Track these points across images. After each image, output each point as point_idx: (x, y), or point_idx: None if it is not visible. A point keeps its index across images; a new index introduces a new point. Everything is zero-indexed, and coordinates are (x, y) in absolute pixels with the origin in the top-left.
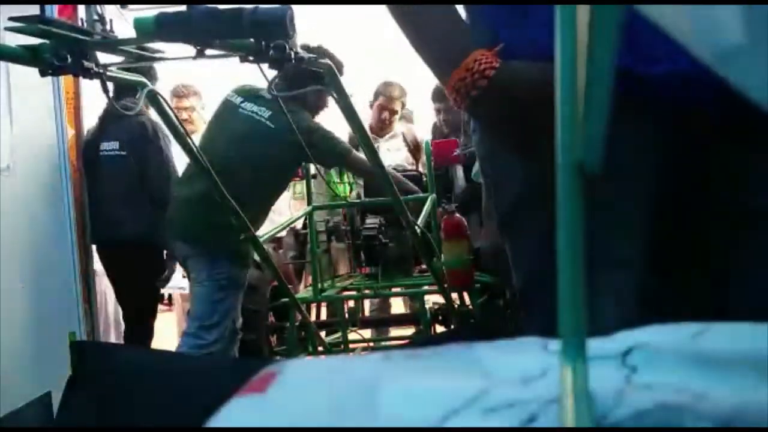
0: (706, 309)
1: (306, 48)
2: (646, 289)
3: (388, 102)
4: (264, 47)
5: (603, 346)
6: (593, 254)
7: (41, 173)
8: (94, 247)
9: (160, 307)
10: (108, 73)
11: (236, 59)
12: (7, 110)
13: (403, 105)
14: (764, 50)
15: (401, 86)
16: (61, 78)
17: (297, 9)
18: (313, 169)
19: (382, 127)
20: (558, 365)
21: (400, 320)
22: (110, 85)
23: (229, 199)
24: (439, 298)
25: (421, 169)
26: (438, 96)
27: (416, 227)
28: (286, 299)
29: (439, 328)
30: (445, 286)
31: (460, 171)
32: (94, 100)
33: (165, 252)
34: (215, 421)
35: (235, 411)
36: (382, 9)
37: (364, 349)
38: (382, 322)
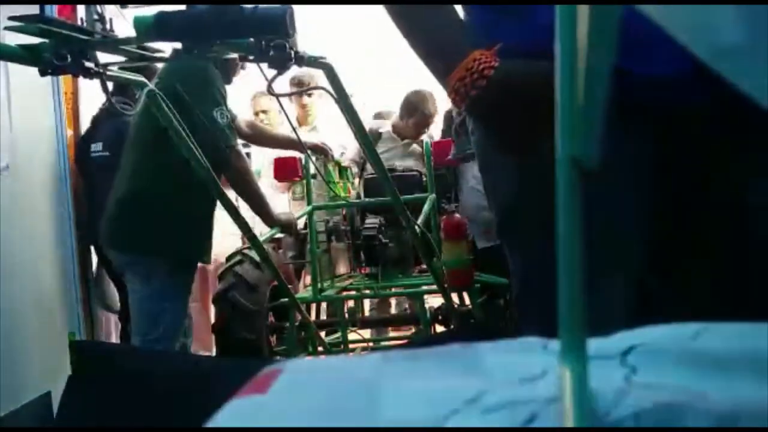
0: (706, 309)
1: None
2: (646, 289)
3: (427, 119)
4: (264, 47)
5: (603, 346)
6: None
7: (40, 173)
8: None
9: None
10: (108, 73)
11: None
12: (7, 110)
13: (437, 111)
14: (763, 47)
15: (432, 94)
16: (61, 77)
17: (297, 9)
18: (313, 169)
19: (418, 136)
20: (558, 365)
21: (400, 320)
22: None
23: (229, 200)
24: (439, 299)
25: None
26: None
27: (416, 227)
28: (286, 299)
29: (439, 328)
30: (445, 286)
31: (467, 171)
32: (93, 100)
33: None
34: (215, 422)
35: (235, 411)
36: (382, 9)
37: (364, 349)
38: (381, 322)
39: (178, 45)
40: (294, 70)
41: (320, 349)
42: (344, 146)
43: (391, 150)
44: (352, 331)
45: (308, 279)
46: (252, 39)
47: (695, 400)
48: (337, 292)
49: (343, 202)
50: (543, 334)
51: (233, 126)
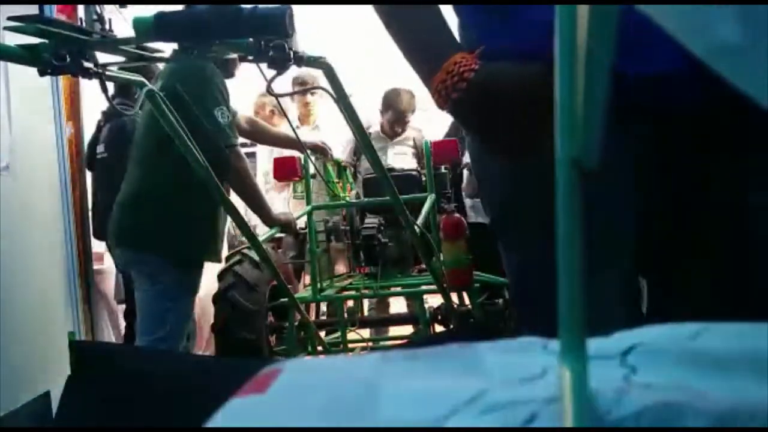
0: (706, 309)
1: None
2: (644, 288)
3: (399, 116)
4: (263, 47)
5: (603, 345)
6: (592, 254)
7: (40, 173)
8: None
9: None
10: (107, 73)
11: None
12: (6, 109)
13: (414, 110)
14: (763, 47)
15: (409, 92)
16: (60, 77)
17: (297, 9)
18: (312, 168)
19: (396, 134)
20: (558, 365)
21: (399, 320)
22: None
23: (229, 201)
24: (438, 299)
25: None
26: None
27: (415, 227)
28: (286, 299)
29: (439, 328)
30: (445, 286)
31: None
32: (94, 99)
33: None
34: (215, 421)
35: (235, 411)
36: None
37: (363, 348)
38: (381, 322)
39: (177, 45)
40: (296, 70)
41: (320, 348)
42: (339, 147)
43: (379, 150)
44: (351, 330)
45: (308, 279)
46: (251, 39)
47: (695, 400)
48: (336, 292)
49: (343, 201)
50: (541, 333)
51: (234, 125)
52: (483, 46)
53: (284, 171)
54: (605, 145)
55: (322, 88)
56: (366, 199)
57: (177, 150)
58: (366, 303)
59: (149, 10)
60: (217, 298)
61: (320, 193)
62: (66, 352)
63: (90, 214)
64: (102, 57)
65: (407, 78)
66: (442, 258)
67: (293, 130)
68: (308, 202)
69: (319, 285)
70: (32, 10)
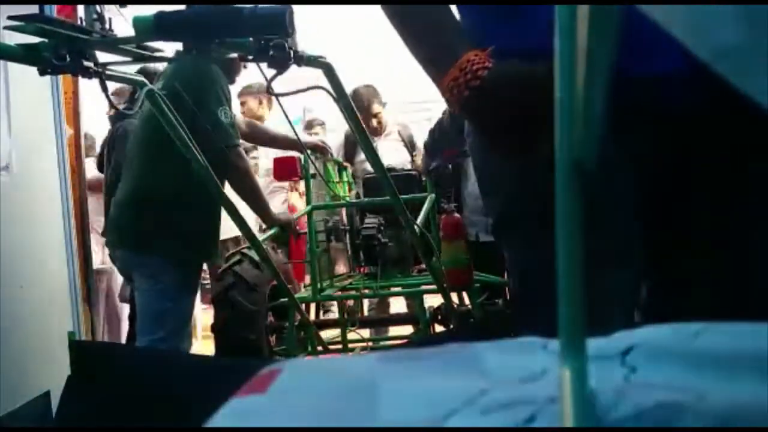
0: (706, 309)
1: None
2: (645, 287)
3: (366, 111)
4: (263, 46)
5: (602, 345)
6: (591, 254)
7: (40, 173)
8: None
9: None
10: (107, 73)
11: None
12: (6, 109)
13: (380, 102)
14: (763, 47)
15: (368, 87)
16: (60, 77)
17: (297, 9)
18: (312, 168)
19: (375, 131)
20: (558, 365)
21: (399, 320)
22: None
23: (229, 201)
24: (438, 299)
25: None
26: None
27: (415, 227)
28: (286, 299)
29: (438, 328)
30: (444, 285)
31: (470, 168)
32: (94, 100)
33: None
34: (215, 421)
35: (235, 411)
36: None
37: (363, 348)
38: (381, 321)
39: (178, 45)
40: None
41: (320, 348)
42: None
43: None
44: (351, 330)
45: (308, 279)
46: (251, 38)
47: (695, 400)
48: (336, 292)
49: (343, 201)
50: (541, 333)
51: (236, 125)
52: (495, 44)
53: (284, 171)
54: (605, 146)
55: (323, 88)
56: (366, 199)
57: (177, 150)
58: (366, 303)
59: (149, 10)
60: (217, 298)
61: (320, 194)
62: (66, 352)
63: (102, 217)
64: (102, 57)
65: (407, 78)
66: (441, 258)
67: (293, 130)
68: (308, 202)
69: (318, 285)
70: (32, 9)
